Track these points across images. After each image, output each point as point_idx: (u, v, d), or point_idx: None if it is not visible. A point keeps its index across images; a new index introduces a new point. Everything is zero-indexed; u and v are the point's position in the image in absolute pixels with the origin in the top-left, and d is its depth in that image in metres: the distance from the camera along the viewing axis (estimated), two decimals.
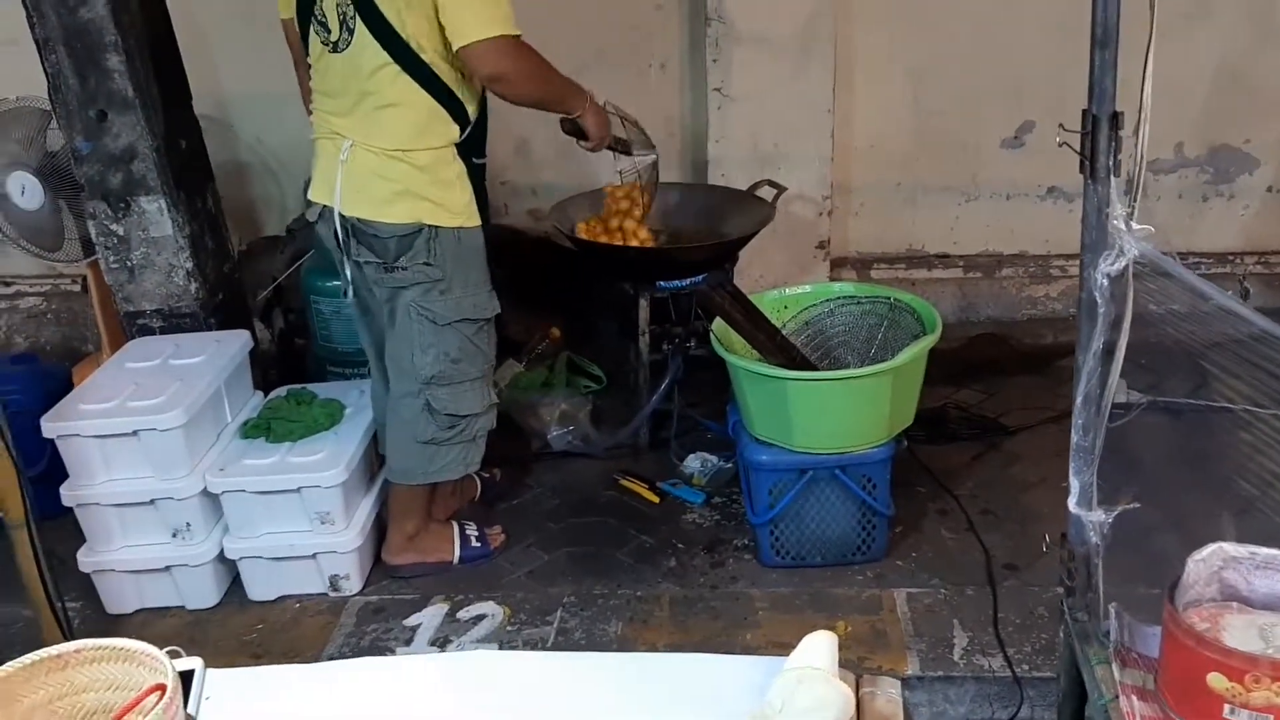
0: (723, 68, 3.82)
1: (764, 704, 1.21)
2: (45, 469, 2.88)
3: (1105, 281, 1.28)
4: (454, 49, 2.49)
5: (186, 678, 1.19)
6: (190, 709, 1.15)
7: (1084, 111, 1.36)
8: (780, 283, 3.32)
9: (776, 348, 2.81)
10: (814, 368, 2.87)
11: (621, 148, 3.04)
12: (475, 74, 2.56)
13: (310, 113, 2.79)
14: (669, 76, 4.05)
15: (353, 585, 2.92)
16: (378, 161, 2.60)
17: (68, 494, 2.77)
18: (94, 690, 1.10)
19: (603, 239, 3.26)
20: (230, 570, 2.93)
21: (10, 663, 1.06)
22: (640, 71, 4.03)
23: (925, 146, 4.12)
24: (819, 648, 1.24)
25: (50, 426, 2.73)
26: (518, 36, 2.49)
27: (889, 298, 2.98)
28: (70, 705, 1.09)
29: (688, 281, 3.21)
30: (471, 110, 2.66)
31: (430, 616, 2.83)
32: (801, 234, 3.99)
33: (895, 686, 1.28)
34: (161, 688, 1.05)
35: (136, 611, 2.90)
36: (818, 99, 3.85)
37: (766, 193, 3.48)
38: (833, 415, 2.69)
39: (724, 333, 2.85)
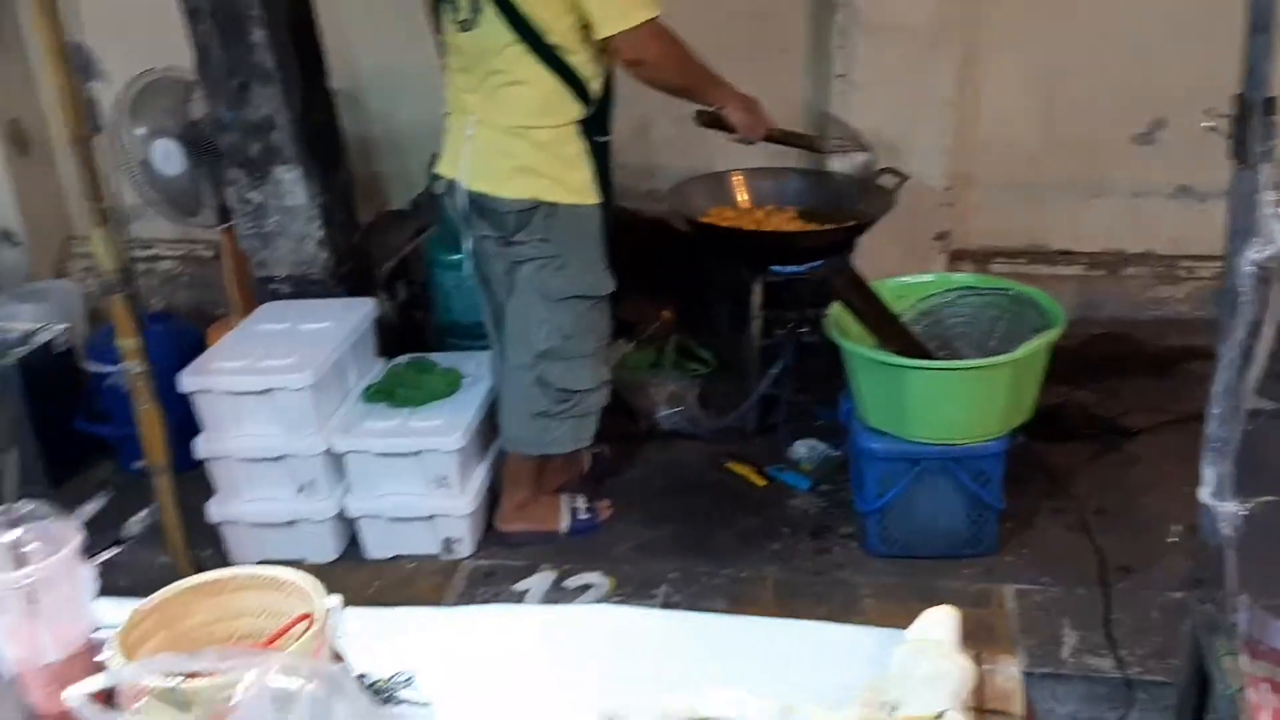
0: (847, 54, 3.80)
1: (882, 674, 1.22)
2: (181, 422, 3.02)
3: (1251, 270, 1.25)
4: (597, 38, 2.54)
5: None
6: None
7: (1236, 96, 1.33)
8: (895, 273, 3.29)
9: (895, 335, 2.80)
10: (932, 357, 2.85)
11: (800, 144, 3.03)
12: (618, 60, 2.61)
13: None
14: (790, 61, 4.04)
15: (465, 549, 3.00)
16: (500, 138, 2.66)
17: (202, 447, 2.90)
18: (247, 616, 1.16)
19: (722, 222, 3.28)
20: (349, 528, 3.03)
21: (173, 585, 1.13)
22: (761, 55, 4.02)
23: (1052, 140, 4.04)
24: (940, 622, 1.25)
25: (188, 381, 2.86)
26: (657, 19, 2.53)
27: (1010, 290, 2.94)
28: (225, 629, 1.16)
29: (804, 267, 3.21)
30: (595, 89, 2.69)
31: (538, 583, 2.89)
32: (920, 225, 3.95)
33: (1014, 666, 1.27)
34: (309, 616, 1.10)
35: (260, 562, 3.01)
36: (942, 89, 3.80)
37: (887, 181, 3.46)
38: (949, 406, 2.66)
39: (840, 318, 2.85)
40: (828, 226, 3.34)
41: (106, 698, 1.02)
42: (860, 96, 3.83)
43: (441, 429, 2.92)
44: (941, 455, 2.71)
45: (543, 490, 3.12)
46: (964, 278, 3.10)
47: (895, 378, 2.65)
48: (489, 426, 3.15)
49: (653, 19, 2.52)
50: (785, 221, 3.45)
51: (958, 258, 4.15)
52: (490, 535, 3.08)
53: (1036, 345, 2.65)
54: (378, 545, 3.00)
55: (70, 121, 2.10)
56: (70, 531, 1.19)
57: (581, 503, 3.14)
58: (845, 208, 3.43)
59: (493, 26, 2.57)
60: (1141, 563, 2.79)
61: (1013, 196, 4.14)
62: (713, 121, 2.88)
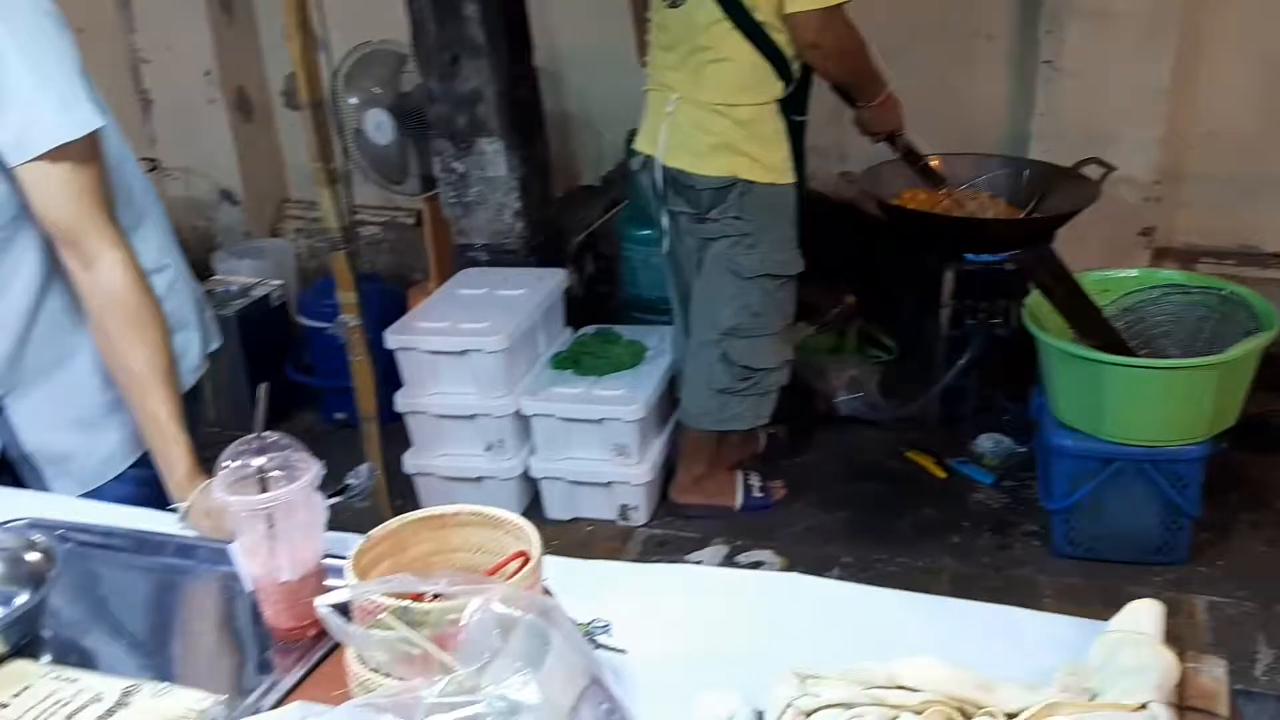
0: (1056, 41, 3.67)
1: (1081, 661, 1.20)
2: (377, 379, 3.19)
3: None
4: (783, 13, 2.56)
5: None
6: None
7: None
8: (1095, 267, 3.18)
9: (1097, 329, 2.71)
10: (1134, 354, 2.74)
11: (922, 171, 3.02)
12: (796, 39, 2.62)
13: (643, 64, 2.92)
14: (995, 47, 3.93)
15: (640, 516, 3.07)
16: (701, 115, 2.69)
17: (402, 400, 3.06)
18: (465, 551, 1.23)
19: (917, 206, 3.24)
20: (532, 488, 3.14)
21: (402, 516, 1.21)
22: (966, 42, 3.93)
23: (1273, 136, 3.80)
24: (1145, 614, 1.22)
25: (394, 339, 3.02)
26: (844, 7, 2.54)
27: (1222, 289, 2.81)
28: (444, 561, 1.23)
29: (1000, 256, 3.13)
30: (796, 68, 2.70)
31: (710, 556, 2.94)
32: (1123, 219, 3.79)
33: (1221, 667, 1.23)
34: (525, 555, 1.16)
35: None
36: (1156, 79, 3.63)
37: (1092, 171, 3.33)
38: (1149, 406, 2.57)
39: (1037, 309, 2.78)
40: (1028, 215, 3.25)
41: (342, 612, 1.10)
42: (1068, 85, 3.70)
43: (623, 398, 2.99)
44: (1138, 457, 2.62)
45: (718, 466, 3.15)
46: (1171, 274, 2.97)
47: (1094, 373, 2.57)
48: (669, 400, 3.21)
49: (841, 6, 2.54)
50: (983, 208, 3.37)
51: (1161, 255, 3.96)
52: (665, 506, 3.14)
53: (1249, 348, 2.53)
54: (558, 506, 3.10)
55: (306, 87, 2.24)
56: (310, 462, 1.29)
57: (756, 481, 3.16)
58: (1045, 197, 3.33)
59: (701, 3, 2.60)
60: None
61: (1226, 194, 3.93)
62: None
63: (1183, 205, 3.96)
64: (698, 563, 2.91)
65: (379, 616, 0.99)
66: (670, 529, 3.06)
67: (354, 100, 3.72)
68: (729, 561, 2.92)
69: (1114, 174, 3.40)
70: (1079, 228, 3.47)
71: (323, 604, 0.98)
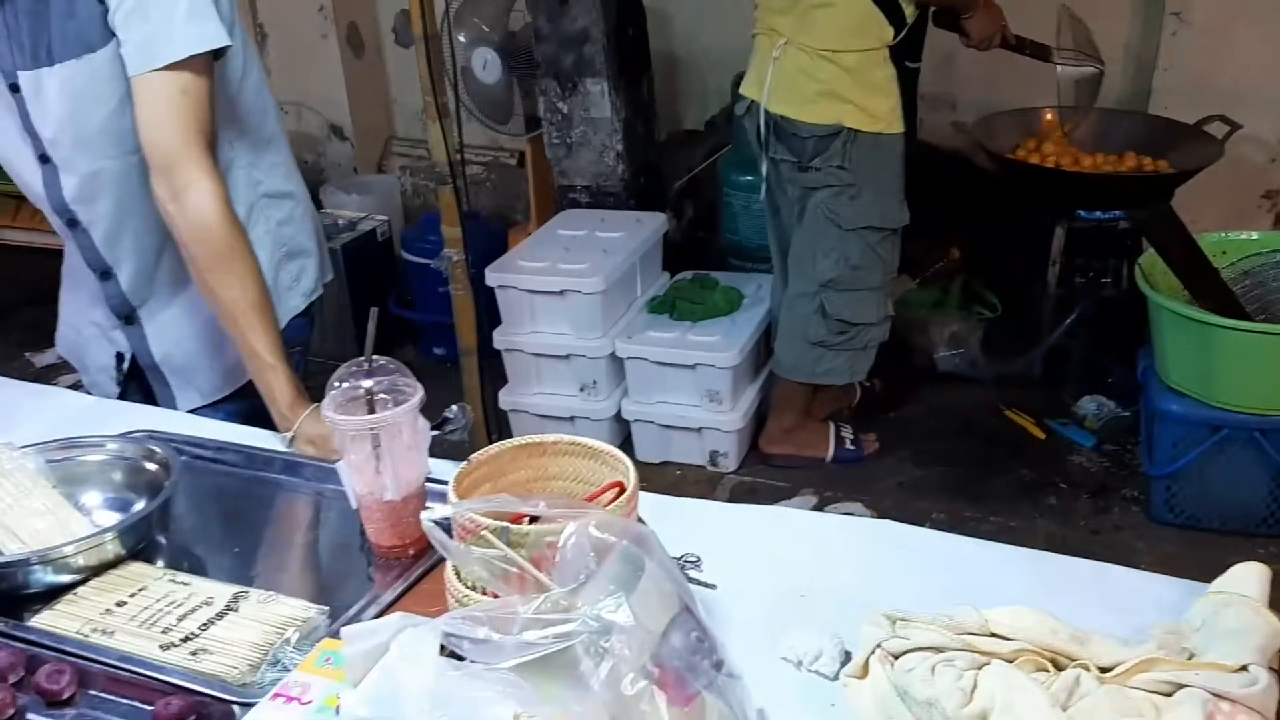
0: None
1: (1180, 621, 1.18)
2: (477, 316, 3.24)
3: None
4: None
5: None
6: None
7: None
8: (1214, 229, 3.07)
9: (1214, 292, 2.62)
10: (1250, 319, 2.65)
11: (1031, 51, 2.88)
12: None
13: (755, 5, 2.88)
14: None
15: (730, 463, 3.08)
16: (807, 60, 2.65)
17: (499, 338, 3.11)
18: (562, 479, 1.26)
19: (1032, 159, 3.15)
20: (624, 430, 3.17)
21: (503, 442, 1.23)
22: None
23: None
24: (1249, 577, 1.18)
25: (493, 277, 3.06)
26: None
27: None
28: (541, 488, 1.26)
29: (1119, 212, 3.03)
30: (909, 12, 2.63)
31: (799, 505, 2.93)
32: (1247, 180, 3.64)
33: None
34: (620, 485, 1.18)
35: None
36: None
37: (1216, 129, 3.20)
38: (1263, 373, 2.48)
39: (1150, 269, 2.69)
40: (1146, 171, 3.13)
41: (444, 531, 1.13)
42: (1195, 37, 3.54)
43: (718, 345, 2.99)
44: (1248, 425, 2.54)
45: (811, 417, 3.14)
46: None
47: (1207, 337, 2.49)
48: (763, 348, 3.19)
49: None
50: (1100, 163, 3.26)
51: None
52: (754, 454, 3.14)
53: None
54: (649, 449, 3.13)
55: (420, 19, 2.26)
56: (415, 387, 1.32)
57: (848, 433, 3.14)
58: (1166, 154, 3.21)
59: None
60: None
61: None
62: (948, 23, 2.78)
63: None
64: None
65: (479, 534, 1.01)
66: (760, 477, 3.07)
67: (462, 38, 3.74)
68: (818, 511, 2.91)
69: (1239, 133, 3.26)
70: (1199, 187, 3.34)
71: (428, 518, 1.01)
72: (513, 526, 1.04)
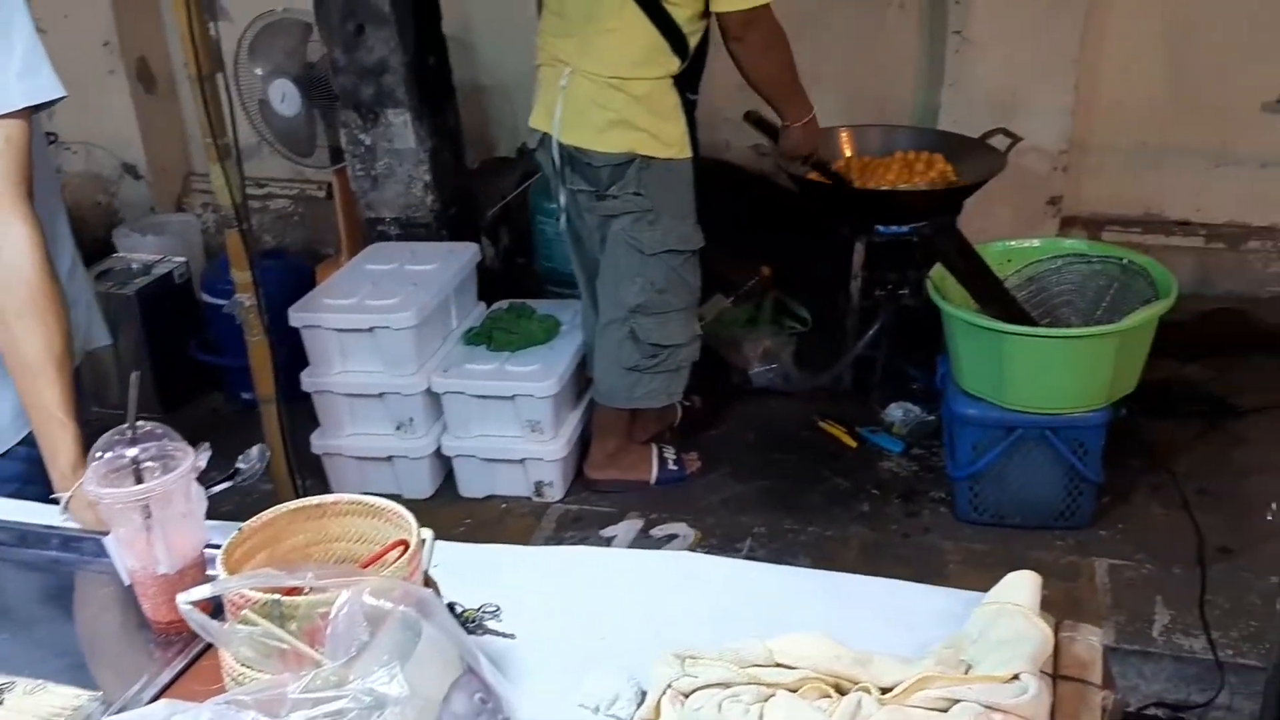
0: (964, 10, 3.71)
1: (959, 633, 1.22)
2: (285, 357, 3.13)
3: None
4: (715, 10, 2.58)
5: None
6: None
7: None
8: (1003, 237, 3.23)
9: (997, 300, 2.75)
10: (1034, 324, 2.79)
11: (823, 171, 3.09)
12: (723, 34, 2.64)
13: None
14: (907, 17, 3.95)
15: (555, 492, 3.06)
16: (596, 89, 2.65)
17: (307, 380, 3.01)
18: (345, 540, 1.21)
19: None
20: (445, 466, 3.11)
21: (278, 506, 1.18)
22: (877, 12, 3.95)
23: (1177, 106, 3.88)
24: (1020, 585, 1.23)
25: (297, 317, 2.96)
26: (770, 6, 2.58)
27: (1122, 259, 2.87)
28: (323, 551, 1.21)
29: (908, 227, 3.16)
30: (692, 44, 2.68)
31: (625, 530, 2.94)
32: (1031, 188, 3.85)
33: (1096, 635, 1.26)
34: (405, 544, 1.15)
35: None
36: (1064, 49, 3.68)
37: (999, 142, 3.38)
38: (1049, 374, 2.62)
39: (941, 280, 2.81)
40: (934, 186, 3.28)
41: (214, 608, 1.08)
42: (977, 54, 3.74)
43: (537, 374, 2.98)
44: (1039, 424, 2.67)
45: (633, 440, 3.15)
46: (1074, 244, 3.02)
47: (995, 343, 2.61)
48: (583, 375, 3.19)
49: (767, 6, 2.57)
50: (909, 162, 3.37)
51: (1069, 224, 4.04)
52: (580, 481, 3.13)
53: (1144, 316, 2.59)
54: (471, 484, 3.08)
55: (194, 59, 2.17)
56: (184, 451, 1.25)
57: (671, 454, 3.17)
58: (956, 167, 3.37)
59: None
60: (1242, 545, 2.72)
61: (1131, 162, 4.01)
62: (760, 125, 2.95)
63: (1089, 174, 4.03)
64: (612, 537, 2.91)
65: (242, 612, 0.97)
66: (585, 504, 3.06)
67: (259, 70, 3.63)
68: (643, 535, 2.92)
69: (1022, 144, 3.45)
70: (989, 197, 3.52)
71: (185, 600, 0.95)
72: (284, 599, 1.00)
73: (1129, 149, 3.99)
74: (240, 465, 1.45)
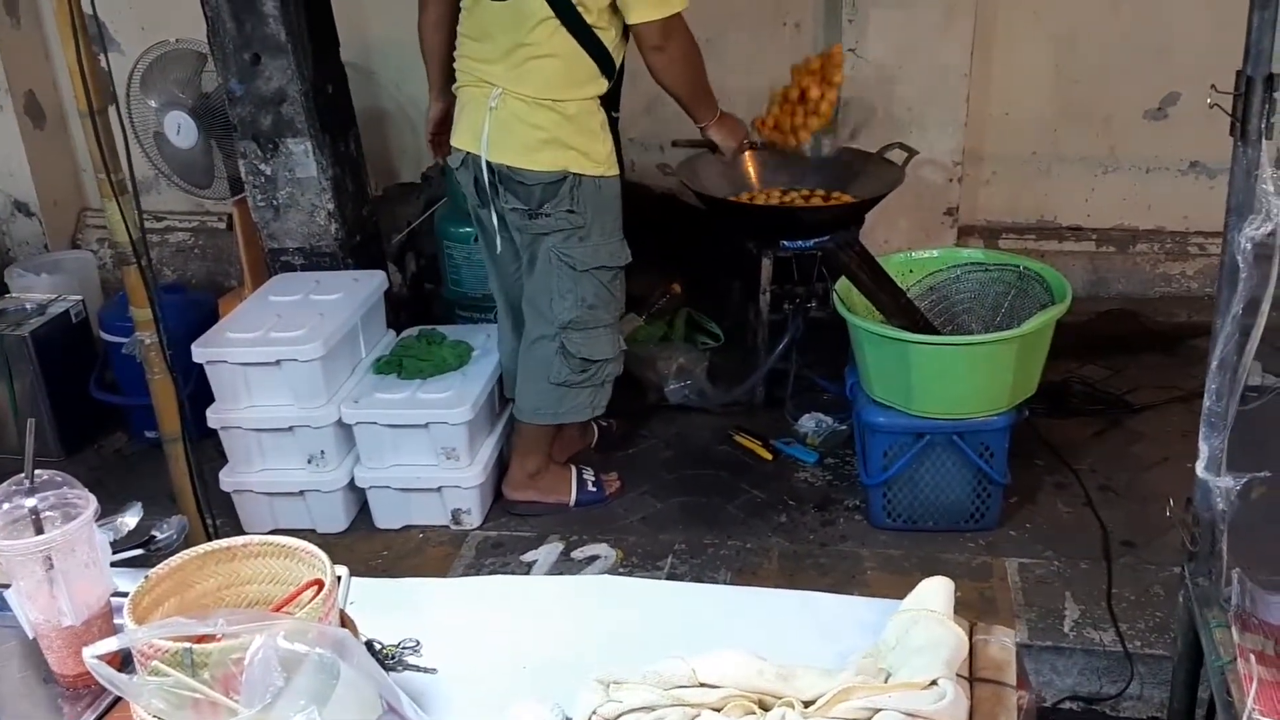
0: (858, 28, 3.79)
1: (877, 641, 1.24)
2: (190, 393, 3.05)
3: (1249, 246, 1.26)
4: (629, 22, 2.61)
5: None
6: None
7: (1238, 73, 1.34)
8: (905, 248, 3.31)
9: (900, 310, 2.81)
10: (937, 332, 2.86)
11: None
12: (640, 44, 2.68)
13: (422, 41, 2.91)
14: (802, 36, 4.03)
15: (474, 520, 3.03)
16: (526, 109, 2.67)
17: (213, 416, 2.94)
18: (257, 582, 1.19)
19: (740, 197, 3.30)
20: (359, 498, 3.07)
21: (186, 551, 1.16)
22: (773, 30, 4.02)
23: (1064, 115, 4.03)
24: (935, 591, 1.27)
25: (200, 352, 2.89)
26: (680, 14, 2.63)
27: (1018, 265, 2.95)
28: (235, 594, 1.19)
29: (812, 242, 3.22)
30: (617, 64, 2.73)
31: (546, 554, 2.93)
32: (929, 200, 3.95)
33: (1009, 636, 1.29)
34: (319, 583, 1.13)
35: (271, 531, 3.04)
36: (955, 63, 3.79)
37: (897, 156, 3.46)
38: (954, 381, 2.68)
39: (847, 293, 2.86)
40: (835, 201, 3.34)
41: (122, 660, 1.05)
42: (871, 70, 3.82)
43: (450, 401, 2.95)
44: (946, 429, 2.73)
45: (553, 461, 3.15)
46: (971, 253, 3.10)
47: (900, 352, 2.67)
48: (498, 399, 3.17)
49: (680, 13, 2.63)
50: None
51: (966, 233, 4.15)
52: (499, 506, 3.11)
53: (1042, 321, 2.66)
54: (387, 515, 3.03)
55: (84, 93, 2.12)
56: (86, 499, 1.22)
57: (590, 475, 3.17)
58: (853, 183, 3.44)
59: (531, 0, 2.58)
60: (1144, 538, 2.81)
61: (1023, 172, 4.14)
62: (691, 144, 3.04)
63: (984, 184, 4.16)
64: (532, 562, 2.90)
65: (152, 663, 0.94)
66: (505, 530, 3.04)
67: (153, 102, 3.55)
68: (564, 558, 2.91)
69: (919, 157, 3.53)
70: (890, 210, 3.60)
71: (91, 654, 0.93)
72: (195, 647, 0.98)
73: (1020, 158, 4.12)
74: (156, 534, 1.42)
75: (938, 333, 2.86)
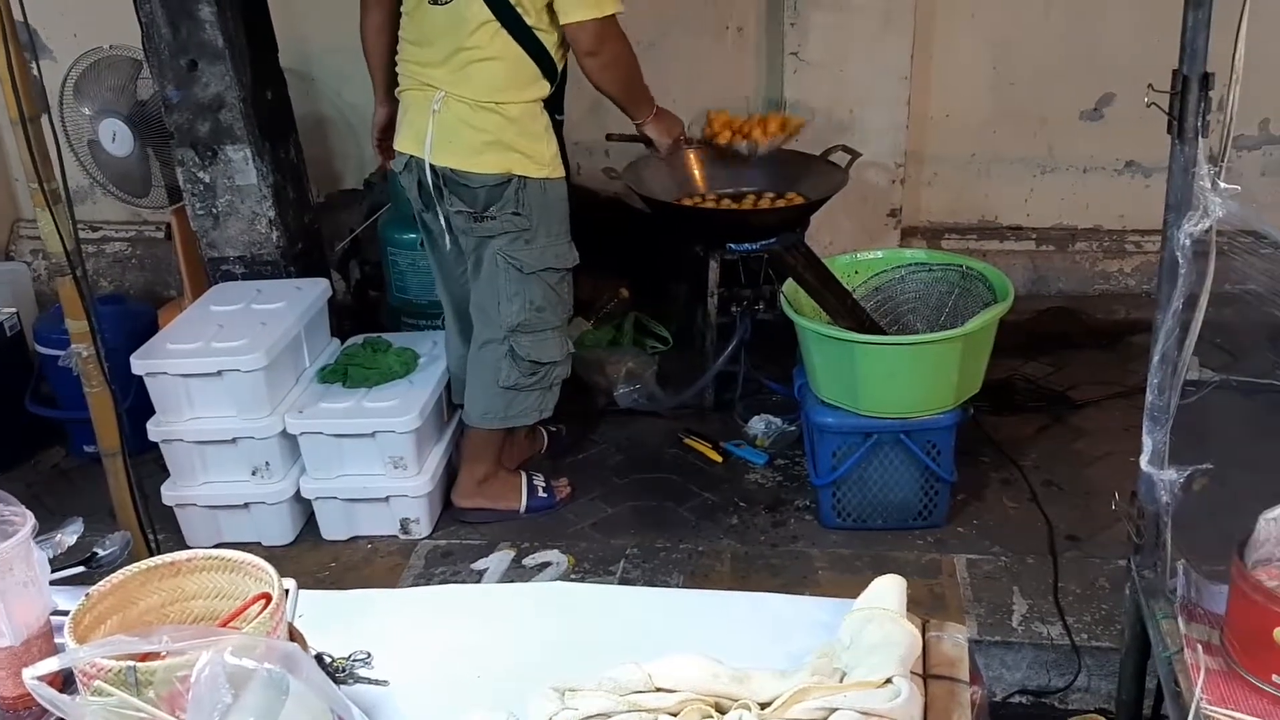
0: (800, 32, 3.82)
1: (832, 641, 1.24)
2: (130, 405, 2.99)
3: (1187, 242, 1.29)
4: (562, 22, 2.59)
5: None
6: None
7: (1174, 72, 1.36)
8: (849, 249, 3.33)
9: (846, 311, 2.83)
10: (883, 333, 2.88)
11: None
12: (575, 47, 2.66)
13: (365, 46, 2.89)
14: (745, 40, 4.04)
15: (423, 529, 3.00)
16: (469, 112, 2.66)
17: (154, 429, 2.88)
18: (203, 597, 1.17)
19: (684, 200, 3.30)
20: (306, 509, 3.02)
21: (128, 567, 1.13)
22: (716, 35, 4.03)
23: (1002, 117, 4.09)
24: (888, 590, 1.27)
25: (140, 364, 2.84)
26: (615, 16, 2.62)
27: (961, 265, 2.98)
28: (180, 610, 1.16)
29: (758, 244, 3.23)
30: (560, 67, 2.72)
31: (496, 562, 2.91)
32: (873, 201, 3.99)
33: (962, 633, 1.30)
34: (266, 597, 1.11)
35: (216, 545, 2.99)
36: (895, 66, 3.83)
37: (840, 158, 3.48)
38: (900, 380, 2.70)
39: (794, 294, 2.88)
40: (780, 204, 3.36)
41: (64, 680, 1.02)
42: (813, 74, 3.85)
43: (396, 409, 2.92)
44: (893, 429, 2.75)
45: (502, 467, 3.12)
46: (915, 254, 3.14)
47: (847, 353, 2.68)
48: (446, 406, 3.15)
49: (614, 15, 2.61)
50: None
51: (910, 234, 4.19)
52: (448, 514, 3.08)
53: (985, 319, 2.70)
54: (334, 526, 3.00)
55: (15, 101, 2.06)
56: (23, 515, 1.18)
57: (540, 481, 3.15)
58: (797, 185, 3.46)
59: (471, 4, 2.57)
60: (1089, 532, 2.86)
61: (964, 173, 4.19)
62: (627, 139, 3.06)
63: (925, 185, 4.20)
64: (483, 570, 2.87)
65: (94, 683, 0.91)
66: (454, 538, 3.01)
67: (87, 110, 3.47)
68: (515, 565, 2.89)
69: (862, 159, 3.56)
70: (835, 212, 3.63)
71: (31, 675, 0.90)
72: (139, 665, 0.95)
73: (961, 160, 4.17)
74: (98, 551, 1.38)
75: (884, 333, 2.89)
